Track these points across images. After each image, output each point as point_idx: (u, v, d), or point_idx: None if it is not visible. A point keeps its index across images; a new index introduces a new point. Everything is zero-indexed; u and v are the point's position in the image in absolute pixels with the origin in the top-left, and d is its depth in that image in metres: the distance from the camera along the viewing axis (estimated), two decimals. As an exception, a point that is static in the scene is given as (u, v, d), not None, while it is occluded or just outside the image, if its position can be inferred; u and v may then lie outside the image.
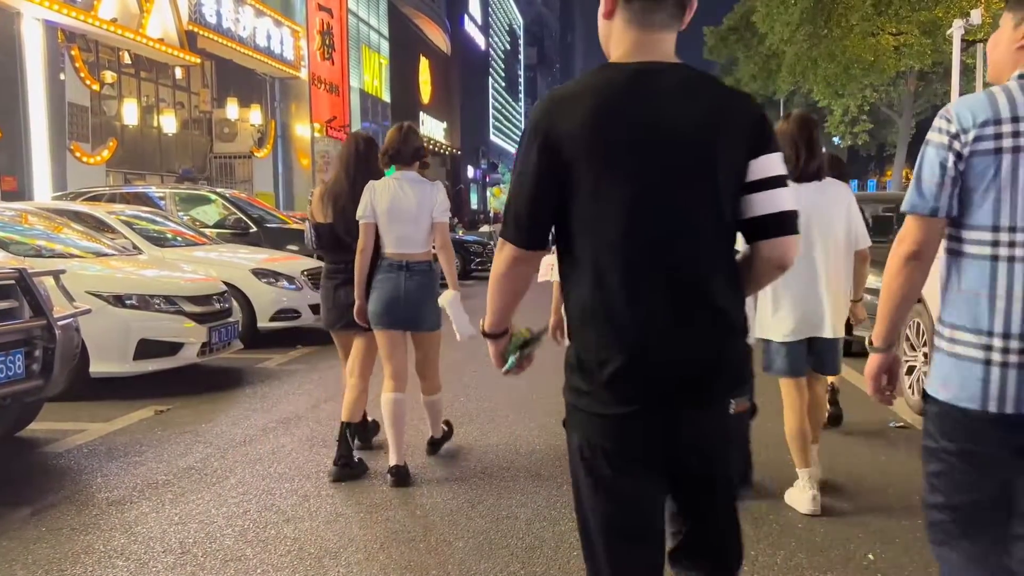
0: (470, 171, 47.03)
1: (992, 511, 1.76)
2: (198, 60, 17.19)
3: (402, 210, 3.95)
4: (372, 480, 4.13)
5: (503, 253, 1.74)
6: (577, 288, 1.68)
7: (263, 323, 8.17)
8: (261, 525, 3.54)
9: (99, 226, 7.88)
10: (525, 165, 1.66)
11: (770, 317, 3.59)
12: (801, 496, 3.63)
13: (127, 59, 16.08)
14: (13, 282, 4.33)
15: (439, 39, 40.88)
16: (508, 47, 65.43)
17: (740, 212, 1.69)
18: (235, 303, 7.19)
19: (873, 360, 2.03)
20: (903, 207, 1.91)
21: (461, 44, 44.77)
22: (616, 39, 1.70)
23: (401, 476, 4.02)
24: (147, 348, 5.94)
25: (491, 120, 56.06)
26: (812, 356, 3.63)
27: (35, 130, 13.07)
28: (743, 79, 31.15)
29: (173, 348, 6.09)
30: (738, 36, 31.25)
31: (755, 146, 1.66)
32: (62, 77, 13.53)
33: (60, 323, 4.49)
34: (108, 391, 5.92)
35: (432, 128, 38.53)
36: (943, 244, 1.87)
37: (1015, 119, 1.74)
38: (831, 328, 3.52)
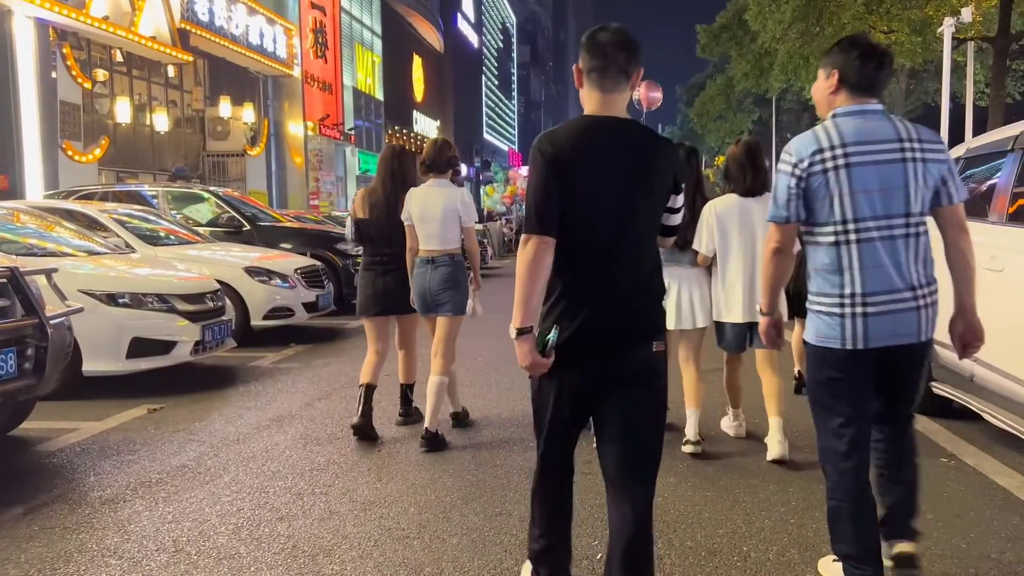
0: (463, 169, 47.04)
1: (863, 404, 2.66)
2: (190, 58, 17.15)
3: (430, 213, 4.58)
4: (367, 476, 4.13)
5: (529, 243, 2.30)
6: (563, 271, 2.34)
7: (256, 321, 8.16)
8: (255, 523, 3.54)
9: (91, 225, 7.86)
10: (537, 178, 2.31)
11: (723, 306, 4.41)
12: (728, 423, 4.89)
13: (119, 57, 16.03)
14: (5, 281, 4.31)
15: (432, 37, 40.84)
16: (501, 45, 65.40)
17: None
18: (228, 301, 7.18)
19: (764, 321, 2.91)
20: (768, 216, 2.74)
21: (454, 42, 44.74)
22: (585, 100, 2.41)
23: (432, 441, 4.57)
24: (140, 347, 5.93)
25: (484, 118, 56.04)
26: (755, 335, 4.24)
27: (27, 128, 13.02)
28: (736, 77, 31.26)
29: (166, 347, 6.08)
30: (731, 34, 31.33)
31: (671, 184, 2.41)
32: (54, 75, 13.48)
33: (52, 322, 4.48)
34: (101, 390, 5.90)
35: (425, 126, 38.51)
36: (805, 239, 2.71)
37: (832, 147, 2.57)
38: None
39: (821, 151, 2.59)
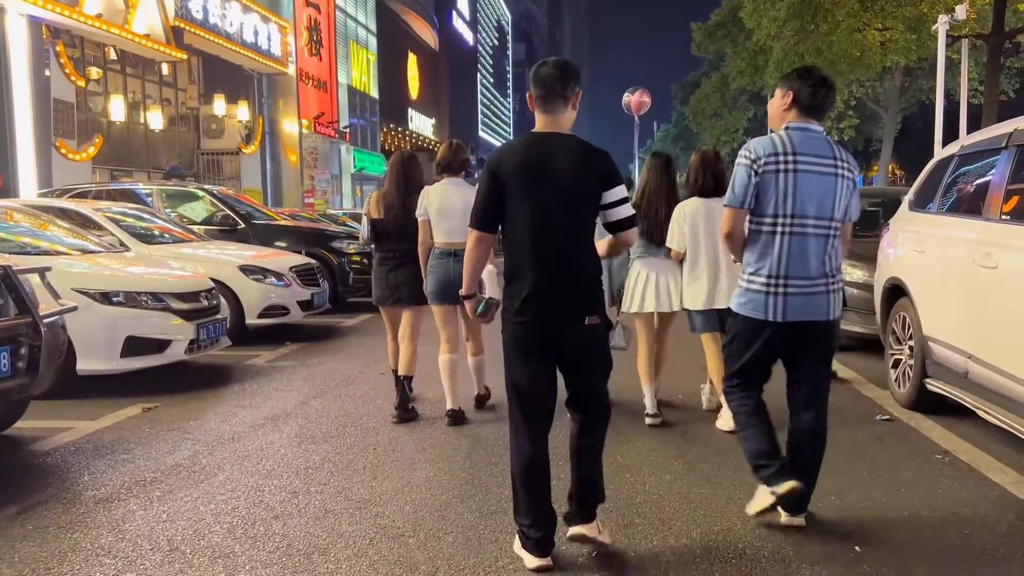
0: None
1: (763, 367, 3.43)
2: (184, 56, 17.10)
3: (450, 208, 4.96)
4: (362, 475, 4.13)
5: (472, 236, 3.08)
6: (512, 258, 3.02)
7: (251, 320, 8.14)
8: (250, 522, 3.54)
9: (85, 223, 7.83)
10: (481, 187, 3.05)
11: (689, 295, 4.93)
12: (705, 395, 5.44)
13: (113, 55, 15.97)
14: (-2, 279, 4.29)
15: (427, 35, 40.79)
16: (496, 43, 65.35)
17: (604, 219, 3.06)
18: (223, 300, 7.17)
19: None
20: (724, 201, 3.32)
21: (449, 40, 44.69)
22: (537, 120, 3.04)
23: (457, 417, 5.08)
24: (134, 345, 5.91)
25: (480, 116, 55.99)
26: (720, 320, 4.77)
27: (20, 127, 12.97)
28: (731, 74, 31.21)
29: (161, 345, 6.07)
30: (725, 32, 31.27)
31: (605, 183, 2.98)
32: (47, 73, 13.44)
33: (46, 321, 4.46)
34: (95, 389, 5.89)
35: (420, 124, 38.47)
36: (749, 226, 3.30)
37: (784, 154, 3.17)
38: (727, 299, 4.31)
39: (776, 154, 3.18)
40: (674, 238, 4.89)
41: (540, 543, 2.99)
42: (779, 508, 3.33)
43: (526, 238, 2.95)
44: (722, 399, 4.60)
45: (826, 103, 3.30)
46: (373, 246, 5.55)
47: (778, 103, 3.33)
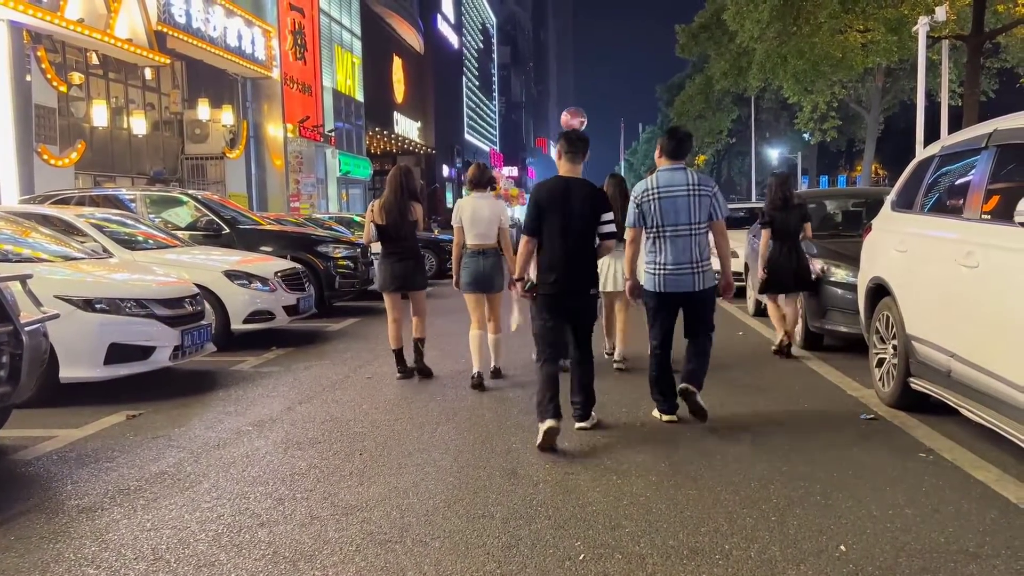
0: (445, 170, 46.84)
1: (667, 322, 5.11)
2: (167, 61, 16.98)
3: (480, 218, 6.34)
4: (348, 481, 4.11)
5: (524, 240, 4.84)
6: (546, 255, 4.82)
7: (236, 325, 8.10)
8: (235, 529, 3.51)
9: (68, 229, 7.76)
10: (529, 209, 4.89)
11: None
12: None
13: (95, 60, 15.85)
14: (-22, 288, 4.25)
15: (412, 38, 40.72)
16: (481, 46, 65.33)
17: (598, 232, 4.86)
18: (208, 306, 7.13)
19: (628, 284, 5.29)
20: (627, 223, 5.13)
21: (434, 43, 44.64)
22: (560, 167, 4.91)
23: (479, 381, 6.25)
24: (118, 352, 5.87)
25: (465, 119, 55.94)
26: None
27: (1, 133, 12.84)
28: (714, 76, 31.33)
29: (145, 352, 6.03)
30: (709, 34, 31.41)
31: (599, 210, 4.83)
32: (28, 78, 13.31)
33: (27, 329, 4.42)
34: (78, 396, 5.84)
35: (406, 127, 38.39)
36: (647, 234, 5.11)
37: (650, 190, 5.00)
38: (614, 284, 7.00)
39: (647, 191, 5.04)
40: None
41: (554, 415, 4.60)
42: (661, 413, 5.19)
43: (556, 242, 4.77)
44: (618, 347, 6.94)
45: (683, 148, 5.13)
46: (379, 244, 6.75)
47: (656, 155, 5.25)
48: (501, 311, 6.58)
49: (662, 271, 5.00)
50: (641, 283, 5.23)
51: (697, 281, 4.96)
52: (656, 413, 5.20)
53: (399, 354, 6.73)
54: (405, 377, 6.63)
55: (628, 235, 5.12)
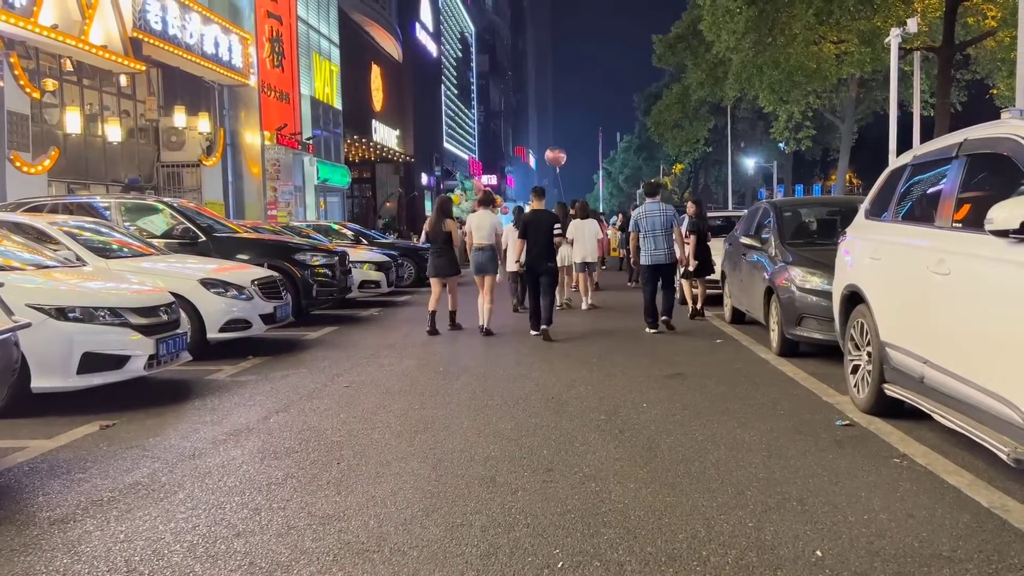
0: (424, 178, 46.75)
1: (652, 280, 10.18)
2: (143, 67, 16.82)
3: (482, 226, 10.21)
4: (326, 490, 4.08)
5: (516, 240, 10.10)
6: (528, 248, 9.92)
7: (212, 334, 8.03)
8: (211, 540, 3.47)
9: (40, 237, 7.66)
10: (518, 224, 10.67)
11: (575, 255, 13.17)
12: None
13: (69, 66, 15.67)
14: (-52, 296, 4.18)
15: (391, 46, 40.67)
16: (460, 55, 65.38)
17: (552, 235, 10.21)
18: (183, 314, 7.06)
19: (632, 259, 12.41)
20: (631, 228, 10.67)
21: (413, 52, 44.61)
22: (533, 204, 10.25)
23: (487, 333, 9.87)
24: (91, 362, 5.79)
25: (444, 127, 55.93)
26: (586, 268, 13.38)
27: (-28, 139, 12.65)
28: (691, 85, 31.59)
29: (119, 361, 5.95)
30: (686, 44, 31.72)
31: (553, 224, 10.07)
32: (1, 85, 13.14)
33: (-2, 338, 4.34)
34: (51, 406, 5.76)
35: (385, 136, 38.29)
36: (642, 236, 10.36)
37: (644, 213, 10.29)
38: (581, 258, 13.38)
39: (640, 214, 10.24)
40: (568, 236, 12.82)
41: (536, 324, 9.59)
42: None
43: (532, 243, 9.63)
44: (586, 301, 12.93)
45: (656, 191, 10.51)
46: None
47: (643, 191, 10.90)
48: (495, 292, 10.24)
49: (650, 252, 9.99)
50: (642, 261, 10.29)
51: (666, 258, 10.00)
52: (648, 329, 9.86)
53: (432, 315, 10.06)
54: (432, 334, 9.91)
55: (631, 237, 10.48)
